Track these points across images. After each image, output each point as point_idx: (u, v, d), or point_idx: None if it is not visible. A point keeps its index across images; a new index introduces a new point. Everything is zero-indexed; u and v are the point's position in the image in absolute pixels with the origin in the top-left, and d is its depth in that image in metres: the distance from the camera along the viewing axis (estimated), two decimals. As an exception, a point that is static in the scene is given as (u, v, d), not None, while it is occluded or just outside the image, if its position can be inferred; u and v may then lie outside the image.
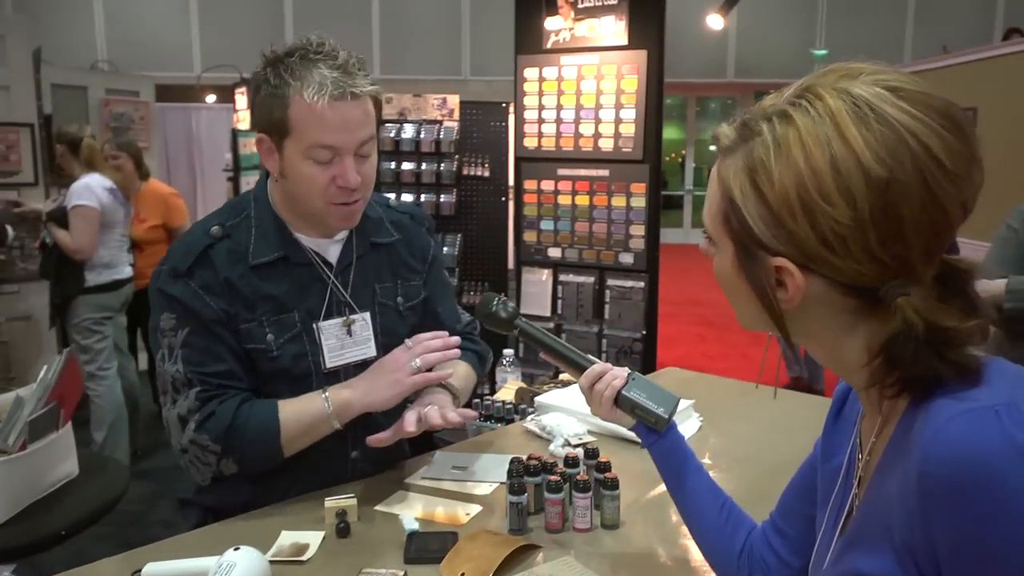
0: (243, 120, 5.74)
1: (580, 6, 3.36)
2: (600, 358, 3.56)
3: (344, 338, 1.38)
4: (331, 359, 1.37)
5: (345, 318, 1.38)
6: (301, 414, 1.30)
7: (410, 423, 1.29)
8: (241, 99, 6.33)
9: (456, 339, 1.37)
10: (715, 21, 4.54)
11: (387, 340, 1.44)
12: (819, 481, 0.87)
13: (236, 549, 1.03)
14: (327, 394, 1.30)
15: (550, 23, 3.41)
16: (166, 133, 7.60)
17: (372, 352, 1.41)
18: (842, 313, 0.69)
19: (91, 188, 3.39)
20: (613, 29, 3.31)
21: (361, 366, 1.40)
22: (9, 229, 3.52)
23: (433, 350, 1.34)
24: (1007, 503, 0.56)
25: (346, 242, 1.40)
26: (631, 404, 1.10)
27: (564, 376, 2.14)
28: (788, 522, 0.97)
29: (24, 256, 4.08)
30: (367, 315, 1.41)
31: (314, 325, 1.35)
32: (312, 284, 1.36)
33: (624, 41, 3.29)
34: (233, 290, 1.30)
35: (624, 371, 1.13)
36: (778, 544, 0.96)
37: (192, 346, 1.28)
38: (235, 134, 5.43)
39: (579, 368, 1.16)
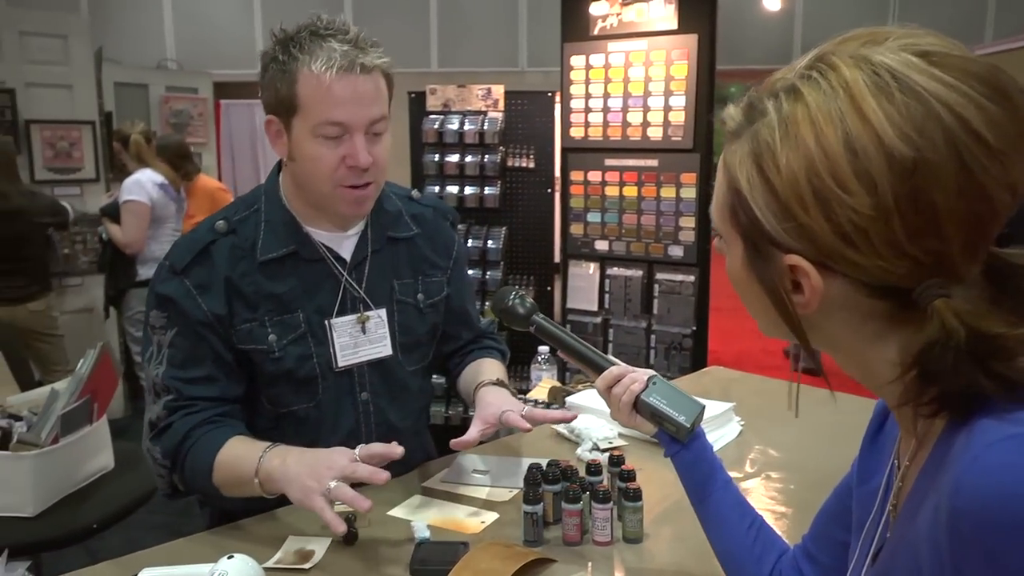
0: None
1: (628, -10, 3.24)
2: (649, 354, 3.46)
3: (358, 336, 1.33)
4: (343, 357, 1.32)
5: (359, 315, 1.33)
6: (234, 463, 1.19)
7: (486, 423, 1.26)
8: (298, 94, 6.41)
9: (398, 451, 1.16)
10: (772, 3, 4.34)
11: (405, 338, 1.39)
12: (854, 505, 0.78)
13: (230, 557, 0.99)
14: (263, 456, 1.16)
15: (596, 8, 3.31)
16: (231, 129, 7.80)
17: (388, 351, 1.36)
18: (870, 319, 0.60)
19: (141, 184, 3.47)
20: (662, 13, 3.18)
21: (376, 365, 1.35)
22: (70, 209, 3.61)
23: (358, 478, 1.11)
24: None
25: (360, 236, 1.35)
26: (650, 411, 1.02)
27: (601, 375, 2.06)
28: (820, 548, 0.87)
29: (86, 250, 4.21)
30: (383, 312, 1.35)
31: (325, 323, 1.31)
32: (323, 281, 1.32)
33: (674, 25, 3.16)
34: (232, 289, 1.25)
35: (645, 374, 1.05)
36: (809, 571, 0.87)
37: (177, 347, 1.25)
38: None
39: (597, 369, 1.09)
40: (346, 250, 1.34)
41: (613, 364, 1.08)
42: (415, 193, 1.49)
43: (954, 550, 0.50)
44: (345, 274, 1.33)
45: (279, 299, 1.28)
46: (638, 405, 1.03)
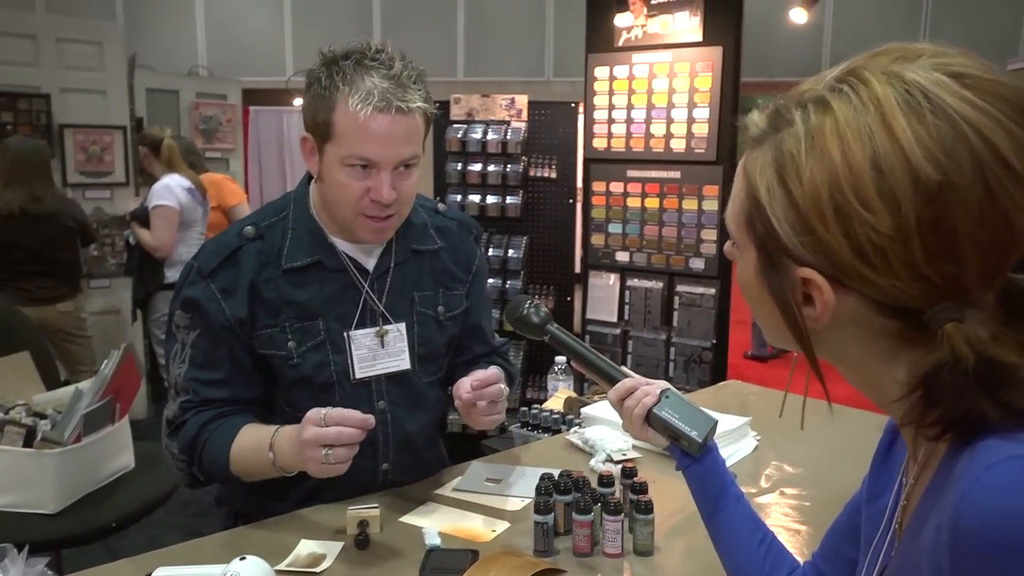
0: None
1: (653, 2, 3.25)
2: (668, 367, 3.45)
3: (376, 348, 1.34)
4: (361, 369, 1.33)
5: (379, 328, 1.34)
6: (249, 452, 1.24)
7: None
8: (325, 102, 6.50)
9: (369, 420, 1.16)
10: (798, 15, 4.30)
11: (424, 350, 1.40)
12: (863, 522, 0.77)
13: (242, 559, 1.01)
14: (275, 436, 1.21)
15: (620, 20, 3.32)
16: (259, 135, 7.92)
17: (405, 364, 1.37)
18: (880, 337, 0.59)
19: (170, 188, 3.53)
20: (687, 25, 3.18)
21: (392, 378, 1.36)
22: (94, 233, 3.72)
23: (343, 440, 1.14)
24: None
25: (385, 249, 1.36)
26: (662, 424, 1.01)
27: (617, 386, 2.05)
28: (830, 564, 0.87)
29: (114, 252, 4.29)
30: (402, 326, 1.36)
31: (345, 334, 1.32)
32: (345, 291, 1.33)
33: (699, 38, 3.15)
34: (256, 294, 1.28)
35: (659, 387, 1.05)
36: None
37: (198, 348, 1.29)
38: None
39: (610, 381, 1.08)
40: (370, 262, 1.35)
41: (627, 376, 1.07)
42: (441, 206, 1.50)
43: (955, 570, 0.49)
44: (366, 286, 1.34)
45: (301, 306, 1.30)
46: (650, 418, 1.02)
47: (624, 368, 1.10)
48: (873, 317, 0.58)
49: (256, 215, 1.36)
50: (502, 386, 1.30)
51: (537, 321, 1.14)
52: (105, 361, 1.83)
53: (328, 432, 1.12)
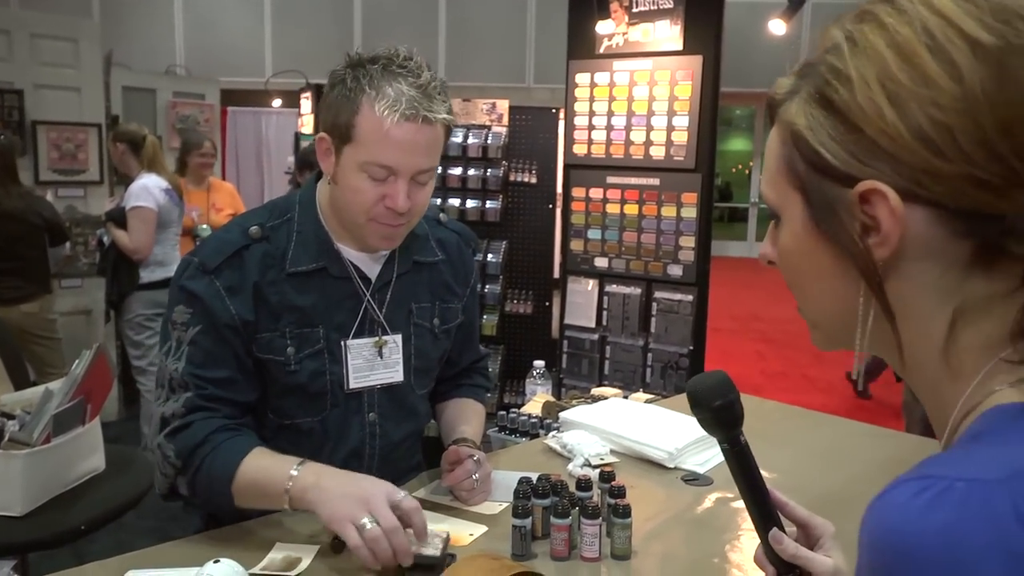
0: (307, 124, 5.85)
1: (634, 10, 3.27)
2: (645, 373, 3.45)
3: (374, 359, 1.33)
4: (356, 380, 1.31)
5: (377, 339, 1.33)
6: (259, 474, 1.17)
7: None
8: (306, 104, 6.46)
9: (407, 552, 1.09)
10: (777, 26, 4.37)
11: (419, 363, 1.39)
12: None
13: (216, 562, 0.99)
14: (296, 472, 1.14)
15: (602, 27, 3.34)
16: (237, 136, 7.86)
17: (399, 376, 1.36)
18: (950, 270, 0.51)
19: (148, 189, 3.48)
20: (668, 34, 3.21)
21: (386, 390, 1.35)
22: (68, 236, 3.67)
23: (395, 547, 1.06)
24: None
25: (387, 259, 1.35)
26: None
27: (596, 391, 2.06)
28: None
29: (87, 252, 4.22)
30: (399, 337, 1.35)
31: (342, 343, 1.30)
32: (346, 299, 1.31)
33: (679, 46, 3.18)
34: (259, 296, 1.25)
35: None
36: None
37: (199, 345, 1.23)
38: (298, 138, 5.55)
39: (761, 527, 0.81)
40: (373, 271, 1.33)
41: (781, 536, 0.79)
42: (443, 216, 1.49)
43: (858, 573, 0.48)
44: (368, 295, 1.32)
45: (302, 312, 1.27)
46: None
47: (779, 530, 0.80)
48: (944, 240, 0.51)
49: (260, 214, 1.31)
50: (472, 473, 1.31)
51: (724, 420, 0.78)
52: (76, 361, 1.79)
53: (387, 519, 1.06)
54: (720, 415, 0.77)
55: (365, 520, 1.06)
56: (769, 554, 0.79)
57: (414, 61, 1.20)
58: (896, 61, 0.50)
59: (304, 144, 5.37)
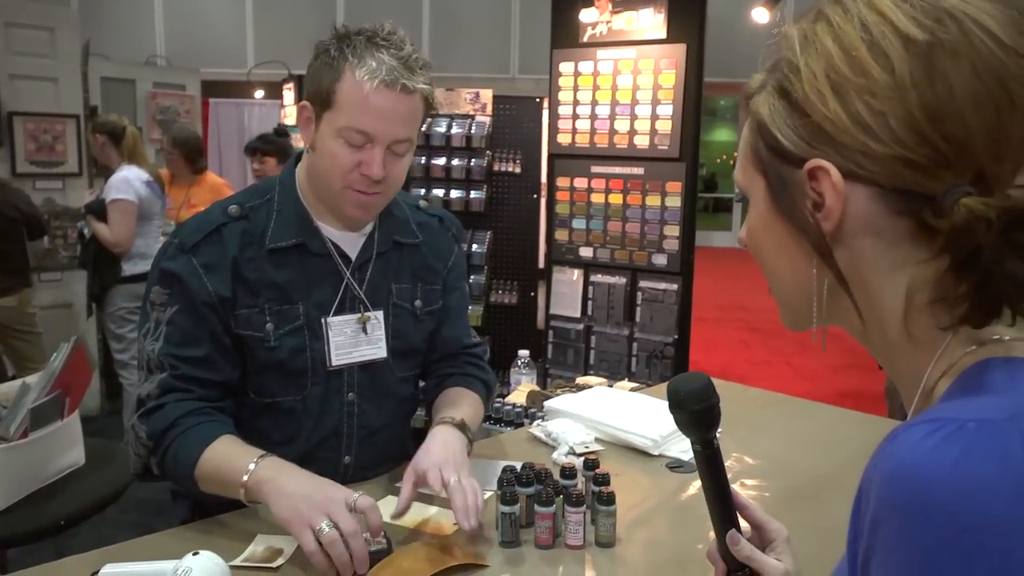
0: (290, 116, 5.79)
1: (618, -2, 3.26)
2: (631, 363, 3.45)
3: (357, 336, 1.32)
4: (337, 357, 1.31)
5: (360, 315, 1.33)
6: (222, 463, 1.16)
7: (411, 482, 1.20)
8: (288, 95, 6.41)
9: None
10: (760, 14, 4.37)
11: (398, 343, 1.38)
12: None
13: (195, 554, 0.98)
14: (257, 464, 1.13)
15: (585, 15, 3.32)
16: (219, 127, 7.78)
17: (382, 353, 1.35)
18: (893, 246, 0.56)
19: (129, 182, 3.43)
20: (651, 22, 3.20)
21: (367, 367, 1.34)
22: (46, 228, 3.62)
23: (353, 552, 1.04)
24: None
25: (368, 237, 1.35)
26: None
27: (580, 380, 2.06)
28: None
29: (67, 245, 4.17)
30: (380, 314, 1.35)
31: (323, 320, 1.30)
32: (327, 277, 1.31)
33: (663, 35, 3.18)
34: (238, 273, 1.25)
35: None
36: None
37: (176, 325, 1.24)
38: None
39: (719, 527, 0.82)
40: (353, 249, 1.34)
41: (738, 537, 0.81)
42: (423, 202, 1.50)
43: (865, 515, 0.51)
44: (348, 273, 1.32)
45: (281, 288, 1.28)
46: None
47: (736, 531, 0.81)
48: (885, 217, 0.56)
49: (241, 196, 1.34)
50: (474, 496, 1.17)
51: (702, 422, 0.77)
52: (54, 354, 1.77)
53: (348, 524, 1.04)
54: (699, 418, 0.77)
55: (324, 524, 1.04)
56: (723, 551, 0.81)
57: (398, 35, 1.23)
58: (839, 55, 0.55)
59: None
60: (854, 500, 0.54)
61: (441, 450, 1.24)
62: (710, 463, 0.79)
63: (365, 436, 1.36)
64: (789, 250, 0.62)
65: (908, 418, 0.59)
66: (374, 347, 1.34)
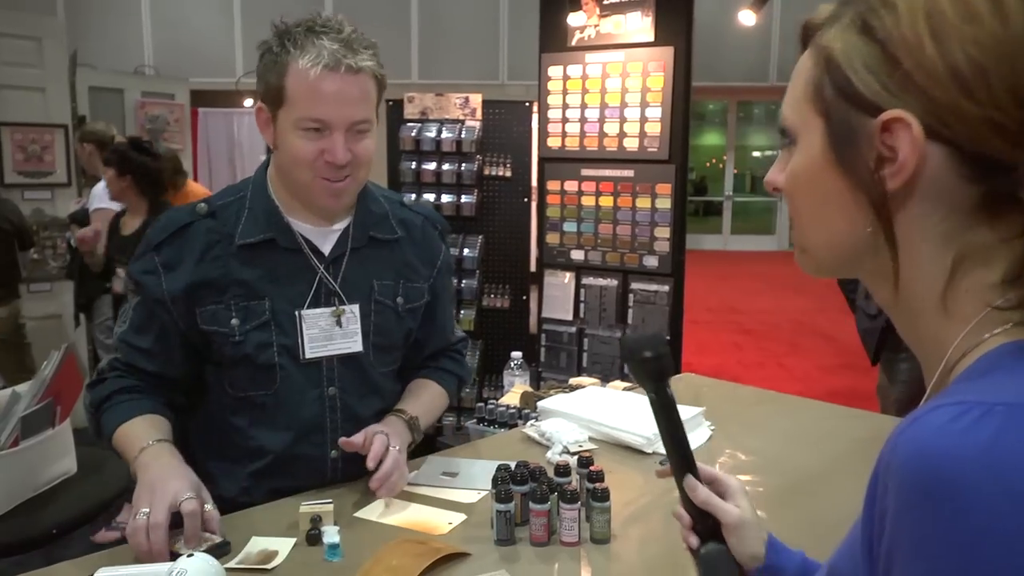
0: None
1: (605, 2, 3.27)
2: (623, 364, 3.43)
3: (331, 329, 1.33)
4: (312, 349, 1.32)
5: (335, 308, 1.33)
6: (126, 442, 1.24)
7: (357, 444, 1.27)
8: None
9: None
10: (747, 17, 4.39)
11: (380, 340, 1.38)
12: None
13: (190, 555, 0.98)
14: (144, 450, 1.19)
15: (573, 19, 3.34)
16: (208, 136, 7.75)
17: (358, 347, 1.35)
18: (951, 213, 0.52)
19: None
20: (639, 25, 3.21)
21: (346, 360, 1.35)
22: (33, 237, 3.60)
23: (151, 543, 1.07)
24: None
25: (342, 232, 1.36)
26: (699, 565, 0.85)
27: (573, 381, 2.06)
28: None
29: (56, 255, 4.15)
30: (356, 308, 1.35)
31: (296, 313, 1.31)
32: (299, 272, 1.32)
33: (651, 37, 3.19)
34: (200, 271, 1.27)
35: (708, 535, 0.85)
36: None
37: (135, 314, 1.31)
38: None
39: (677, 471, 0.86)
40: (326, 244, 1.34)
41: (695, 483, 0.84)
42: (407, 199, 1.51)
43: (882, 500, 0.49)
44: (322, 268, 1.33)
45: (247, 285, 1.29)
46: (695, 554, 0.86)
47: (693, 477, 0.84)
48: (953, 182, 0.51)
49: (214, 195, 1.38)
50: (396, 454, 1.28)
51: (651, 369, 0.82)
52: (45, 363, 1.76)
53: (156, 516, 1.07)
54: (646, 366, 0.81)
55: (142, 511, 1.08)
56: (685, 504, 0.85)
57: (335, 20, 1.25)
58: None
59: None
60: (868, 484, 0.52)
61: (389, 430, 1.32)
62: (665, 412, 0.82)
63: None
64: (838, 203, 0.57)
65: (927, 389, 0.58)
66: (349, 340, 1.35)
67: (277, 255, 1.31)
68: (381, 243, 1.40)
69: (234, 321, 1.28)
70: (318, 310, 1.32)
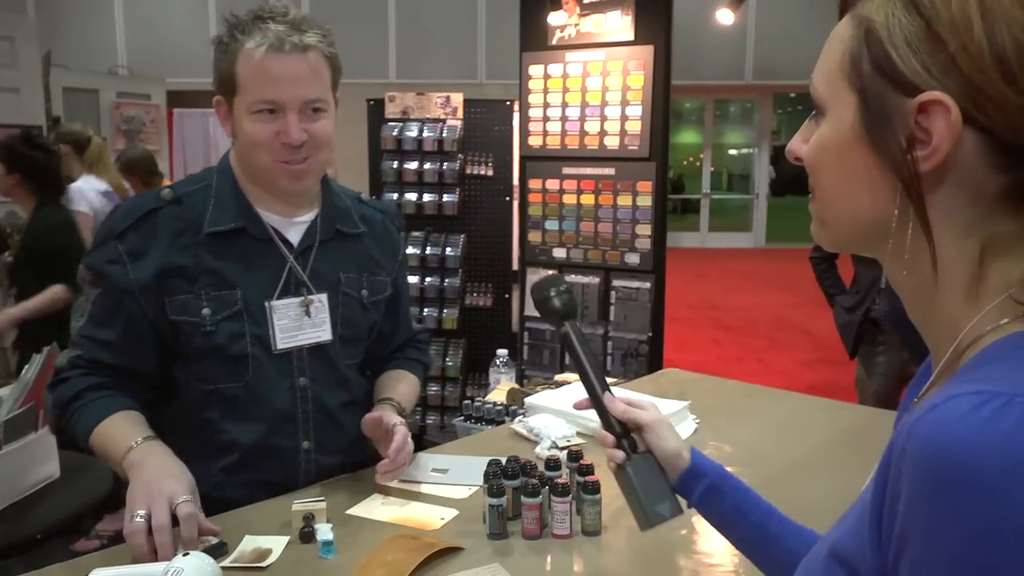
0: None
1: (586, 1, 3.29)
2: (606, 360, 3.47)
3: (301, 319, 1.33)
4: (283, 340, 1.32)
5: (303, 298, 1.34)
6: (108, 440, 1.22)
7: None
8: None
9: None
10: (725, 16, 4.44)
11: (347, 331, 1.39)
12: None
13: (185, 555, 0.98)
14: (134, 448, 1.18)
15: (554, 18, 3.35)
16: (184, 137, 7.68)
17: (327, 336, 1.36)
18: (976, 200, 0.52)
19: (83, 193, 3.38)
20: (619, 24, 3.24)
21: (315, 351, 1.35)
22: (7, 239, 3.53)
23: (157, 545, 1.07)
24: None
25: (310, 225, 1.36)
26: (622, 483, 0.91)
27: (559, 377, 2.08)
28: None
29: (31, 258, 4.08)
30: (324, 297, 1.36)
31: (266, 304, 1.31)
32: (269, 262, 1.32)
33: (630, 36, 3.21)
34: (169, 260, 1.26)
35: (635, 448, 0.91)
36: None
37: (96, 306, 1.29)
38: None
39: (595, 407, 0.95)
40: (294, 235, 1.35)
41: (612, 397, 0.93)
42: (363, 195, 1.53)
43: (895, 486, 0.49)
44: (291, 258, 1.33)
45: (219, 274, 1.28)
46: (618, 472, 0.92)
47: (610, 394, 0.94)
48: (982, 169, 0.51)
49: (176, 183, 1.37)
50: (408, 447, 1.32)
51: (559, 308, 0.96)
52: (27, 366, 1.74)
53: (159, 518, 1.07)
54: (545, 305, 0.95)
55: (139, 512, 1.07)
56: (605, 425, 0.92)
57: (281, 5, 1.26)
58: None
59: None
60: (878, 468, 0.51)
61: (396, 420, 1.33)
62: (570, 344, 0.94)
63: (323, 420, 1.36)
64: (865, 179, 0.56)
65: (933, 372, 0.57)
66: (318, 330, 1.35)
67: (247, 244, 1.31)
68: (346, 237, 1.41)
69: (205, 311, 1.27)
70: (287, 300, 1.32)
